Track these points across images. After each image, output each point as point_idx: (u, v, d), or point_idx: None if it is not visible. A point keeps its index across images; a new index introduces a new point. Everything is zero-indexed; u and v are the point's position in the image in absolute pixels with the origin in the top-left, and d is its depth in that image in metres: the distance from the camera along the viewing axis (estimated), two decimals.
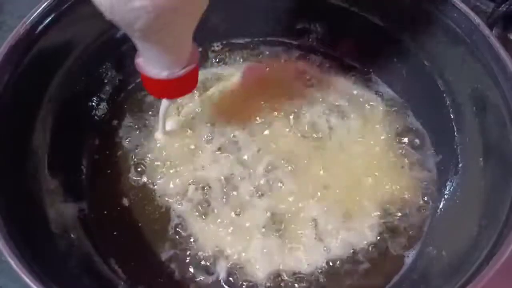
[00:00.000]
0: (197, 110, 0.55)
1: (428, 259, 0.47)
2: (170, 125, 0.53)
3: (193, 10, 0.36)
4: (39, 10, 0.44)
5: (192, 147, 0.52)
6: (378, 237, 0.49)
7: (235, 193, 0.50)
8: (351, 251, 0.48)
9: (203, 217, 0.49)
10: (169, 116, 0.54)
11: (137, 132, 0.54)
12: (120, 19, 0.34)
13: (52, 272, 0.38)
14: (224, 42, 0.60)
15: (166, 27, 0.35)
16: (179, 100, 0.55)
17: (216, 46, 0.59)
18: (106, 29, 0.51)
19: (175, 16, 0.35)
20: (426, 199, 0.51)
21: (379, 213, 0.49)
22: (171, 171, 0.51)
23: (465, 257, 0.41)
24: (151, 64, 0.41)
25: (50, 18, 0.45)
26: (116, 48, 0.53)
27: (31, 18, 0.44)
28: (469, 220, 0.45)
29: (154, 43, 0.38)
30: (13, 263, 0.35)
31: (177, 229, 0.49)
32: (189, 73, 0.42)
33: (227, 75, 0.57)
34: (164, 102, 0.48)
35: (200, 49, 0.56)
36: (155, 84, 0.42)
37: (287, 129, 0.53)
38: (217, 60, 0.59)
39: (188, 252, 0.48)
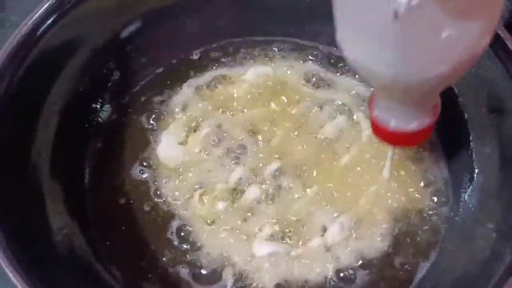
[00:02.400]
0: (203, 112, 0.54)
1: (442, 270, 0.45)
2: (174, 128, 0.52)
3: (469, 68, 0.34)
4: (41, 11, 0.44)
5: (198, 150, 0.51)
6: (389, 247, 0.47)
7: (242, 198, 0.49)
8: (361, 260, 0.47)
9: (209, 223, 0.48)
10: (174, 119, 0.53)
11: (141, 136, 0.53)
12: (401, 85, 0.32)
13: (50, 280, 0.38)
14: (232, 41, 0.58)
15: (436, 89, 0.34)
16: (183, 102, 0.54)
17: (224, 46, 0.58)
18: (110, 29, 0.51)
19: (459, 74, 0.33)
20: (439, 207, 0.49)
21: (390, 221, 0.48)
22: (176, 175, 0.50)
23: (482, 270, 0.40)
24: (384, 113, 0.39)
25: (52, 18, 0.45)
26: (120, 48, 0.53)
27: (33, 18, 0.44)
28: (486, 230, 0.43)
29: (413, 102, 0.37)
30: (12, 275, 0.34)
31: (182, 235, 0.48)
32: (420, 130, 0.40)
33: (235, 76, 0.56)
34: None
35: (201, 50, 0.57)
36: (383, 131, 0.41)
37: (296, 133, 0.52)
38: (225, 60, 0.58)
39: (193, 259, 0.47)
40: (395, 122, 0.39)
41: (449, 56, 0.29)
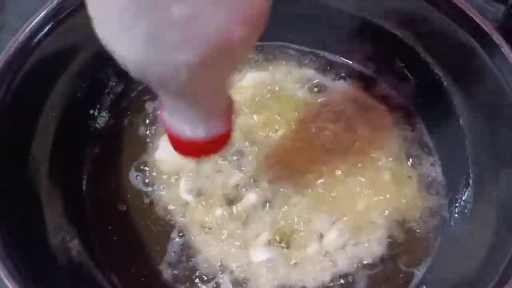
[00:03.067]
0: None
1: (439, 275, 0.46)
2: None
3: (236, 59, 0.30)
4: (39, 17, 0.44)
5: None
6: (386, 252, 0.47)
7: (239, 204, 0.49)
8: (358, 265, 0.47)
9: (206, 229, 0.48)
10: None
11: (139, 141, 0.53)
12: (152, 75, 0.28)
13: (48, 286, 0.38)
14: None
15: (205, 79, 0.29)
16: None
17: None
18: None
19: (219, 68, 0.29)
20: (435, 212, 0.49)
21: (386, 227, 0.48)
22: (174, 181, 0.50)
23: (478, 275, 0.40)
24: (174, 119, 0.34)
25: (50, 25, 0.44)
26: None
27: (31, 25, 0.44)
28: (482, 234, 0.43)
29: (187, 98, 0.32)
30: (10, 285, 0.34)
31: (180, 241, 0.48)
32: (214, 139, 0.35)
33: (233, 82, 0.56)
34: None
35: None
36: (176, 140, 0.36)
37: (294, 139, 0.52)
38: None
39: (190, 266, 0.46)
40: (181, 128, 0.34)
41: (193, 41, 0.25)
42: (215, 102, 0.34)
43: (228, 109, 0.35)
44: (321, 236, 0.47)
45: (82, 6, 0.46)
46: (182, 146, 0.36)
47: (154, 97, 0.55)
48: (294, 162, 0.51)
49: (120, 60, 0.27)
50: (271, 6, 0.27)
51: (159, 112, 0.35)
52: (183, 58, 0.26)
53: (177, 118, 0.34)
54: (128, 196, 0.50)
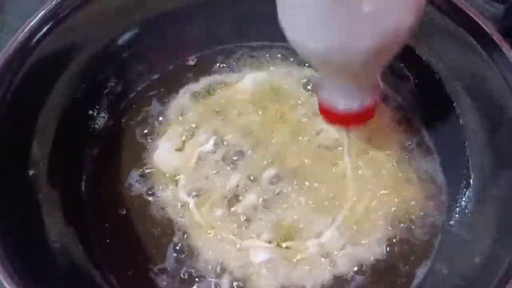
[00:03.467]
0: (200, 119, 0.53)
1: (439, 276, 0.45)
2: (170, 134, 0.52)
3: (399, 46, 0.36)
4: (38, 17, 0.44)
5: (195, 156, 0.51)
6: (386, 253, 0.47)
7: (239, 205, 0.49)
8: (358, 266, 0.46)
9: (206, 229, 0.48)
10: (171, 125, 0.53)
11: (138, 142, 0.53)
12: (335, 61, 0.34)
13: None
14: (228, 47, 0.58)
15: (373, 65, 0.36)
16: (180, 108, 0.54)
17: (220, 52, 0.58)
18: (107, 36, 0.51)
19: (387, 54, 0.35)
20: (436, 212, 0.49)
21: (387, 227, 0.48)
22: (173, 182, 0.50)
23: (479, 276, 0.40)
24: (330, 94, 0.41)
25: (49, 25, 0.44)
26: (117, 55, 0.53)
27: (30, 25, 0.44)
28: (483, 235, 0.43)
29: (353, 77, 0.39)
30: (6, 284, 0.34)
31: (179, 242, 0.47)
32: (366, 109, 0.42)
33: (232, 82, 0.56)
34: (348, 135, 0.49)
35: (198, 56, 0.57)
36: (331, 112, 0.43)
37: (293, 139, 0.52)
38: (222, 66, 0.58)
39: (190, 267, 0.46)
40: (338, 103, 0.41)
41: (374, 31, 0.31)
42: (370, 82, 0.40)
43: (376, 86, 0.42)
44: (321, 237, 0.47)
45: (81, 6, 0.46)
46: (336, 118, 0.43)
47: (153, 98, 0.55)
48: (294, 163, 0.51)
49: (306, 52, 0.34)
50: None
51: (314, 87, 0.45)
52: (365, 46, 0.31)
53: (336, 95, 0.41)
54: (128, 196, 0.50)
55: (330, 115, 0.43)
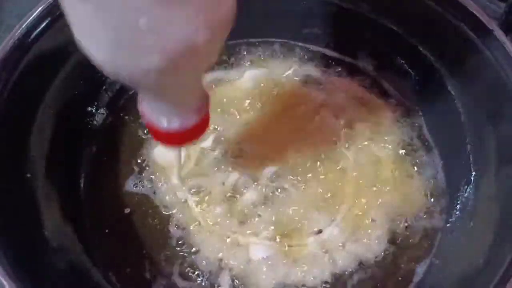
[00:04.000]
0: None
1: (439, 273, 0.45)
2: None
3: (204, 61, 0.31)
4: (35, 14, 0.43)
5: (194, 154, 0.51)
6: (386, 250, 0.47)
7: (238, 202, 0.49)
8: (358, 263, 0.46)
9: (206, 227, 0.48)
10: None
11: (137, 139, 0.53)
12: (122, 76, 0.29)
13: (46, 286, 0.38)
14: (229, 44, 0.58)
15: (175, 79, 0.31)
16: None
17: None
18: None
19: (186, 69, 0.30)
20: (436, 210, 0.49)
21: (387, 224, 0.48)
22: (172, 179, 0.50)
23: (479, 274, 0.40)
24: (151, 112, 0.37)
25: (46, 21, 0.44)
26: None
27: (27, 22, 0.43)
28: (483, 233, 0.43)
29: (161, 95, 0.34)
30: (7, 285, 0.34)
31: (178, 239, 0.47)
32: (190, 129, 0.37)
33: (232, 79, 0.56)
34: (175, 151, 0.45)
35: None
36: (154, 130, 0.38)
37: (293, 136, 0.52)
38: (222, 62, 0.57)
39: (189, 264, 0.46)
40: (160, 119, 0.36)
41: (158, 47, 0.26)
42: (187, 97, 0.36)
43: (202, 102, 0.37)
44: (321, 234, 0.47)
45: None
46: (160, 136, 0.38)
47: None
48: (294, 160, 0.50)
49: (92, 60, 0.29)
50: (235, 13, 0.29)
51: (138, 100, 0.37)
52: (149, 63, 0.27)
53: (154, 111, 0.36)
54: (127, 194, 0.50)
55: (154, 132, 0.38)
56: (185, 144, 0.42)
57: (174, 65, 0.28)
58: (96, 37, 0.27)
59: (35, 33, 0.43)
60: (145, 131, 0.53)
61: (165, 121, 0.36)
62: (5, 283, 0.34)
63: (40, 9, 0.43)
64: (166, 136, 0.38)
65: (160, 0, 0.25)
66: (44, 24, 0.44)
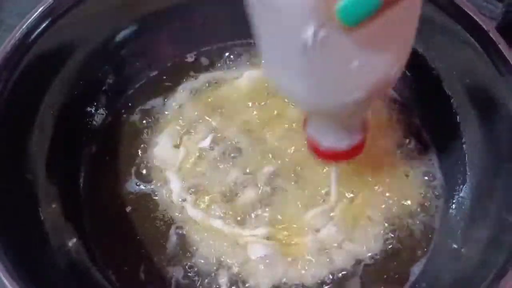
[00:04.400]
0: (198, 115, 0.54)
1: (436, 271, 0.46)
2: (169, 131, 0.52)
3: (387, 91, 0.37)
4: (35, 14, 0.44)
5: (193, 154, 0.51)
6: (383, 249, 0.47)
7: (237, 201, 0.49)
8: (355, 262, 0.47)
9: (204, 226, 0.48)
10: (169, 122, 0.53)
11: (136, 139, 0.53)
12: (322, 111, 0.34)
13: (47, 283, 0.38)
14: (227, 45, 0.58)
15: (360, 110, 0.36)
16: (178, 105, 0.54)
17: (218, 49, 0.58)
18: (105, 33, 0.51)
19: (374, 100, 0.35)
20: (432, 209, 0.49)
21: (384, 223, 0.48)
22: (171, 179, 0.50)
23: (475, 272, 0.40)
24: (319, 135, 0.41)
25: (47, 22, 0.44)
26: (115, 52, 0.53)
27: (28, 22, 0.44)
28: (479, 231, 0.44)
29: (337, 122, 0.39)
30: (8, 282, 0.34)
31: (177, 238, 0.48)
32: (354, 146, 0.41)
33: (230, 79, 0.56)
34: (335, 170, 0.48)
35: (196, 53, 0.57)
36: (319, 150, 0.42)
37: (291, 135, 0.52)
38: (220, 63, 0.58)
39: (188, 263, 0.47)
40: (326, 141, 0.40)
41: (362, 84, 0.30)
42: (359, 122, 0.40)
43: (364, 125, 0.41)
44: (318, 233, 0.47)
45: (79, 3, 0.46)
46: (324, 155, 0.42)
47: (151, 95, 0.55)
48: (292, 159, 0.51)
49: (290, 97, 0.34)
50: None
51: (304, 127, 0.42)
52: (353, 98, 0.30)
53: (324, 134, 0.40)
54: (126, 193, 0.50)
55: (318, 152, 0.42)
56: (348, 159, 0.45)
57: (370, 97, 0.32)
58: (301, 83, 0.30)
59: (35, 34, 0.44)
60: (145, 130, 0.53)
61: (334, 142, 0.40)
62: (6, 282, 0.35)
63: (40, 9, 0.44)
64: (329, 153, 0.41)
65: (372, 44, 0.28)
66: (44, 24, 0.44)
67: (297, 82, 0.30)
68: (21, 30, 0.43)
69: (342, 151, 0.40)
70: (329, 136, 0.40)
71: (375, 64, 0.29)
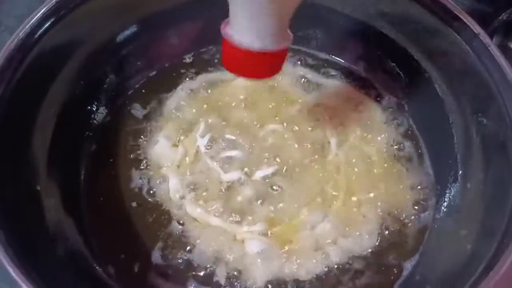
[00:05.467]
0: (197, 115, 0.54)
1: (428, 267, 0.47)
2: (168, 130, 0.53)
3: None
4: (38, 14, 0.44)
5: (192, 152, 0.52)
6: (377, 245, 0.48)
7: (234, 198, 0.50)
8: (349, 258, 0.48)
9: (202, 222, 0.49)
10: (168, 121, 0.54)
11: (136, 137, 0.54)
12: None
13: (49, 278, 0.38)
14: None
15: None
16: (177, 105, 0.55)
17: (217, 50, 0.59)
18: (106, 34, 0.51)
19: None
20: (424, 206, 0.51)
21: (378, 221, 0.49)
22: (170, 176, 0.51)
23: (465, 267, 0.41)
24: (243, 31, 0.36)
25: (49, 22, 0.45)
26: (115, 52, 0.54)
27: (31, 22, 0.44)
28: (469, 229, 0.45)
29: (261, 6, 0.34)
30: (12, 270, 0.35)
31: (176, 234, 0.48)
32: (278, 53, 0.38)
33: (228, 79, 0.57)
34: None
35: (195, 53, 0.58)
36: (239, 56, 0.38)
37: (287, 135, 0.53)
38: (218, 63, 0.58)
39: (186, 258, 0.47)
40: (247, 37, 0.36)
41: None
42: (286, 15, 0.36)
43: (284, 36, 0.37)
44: (314, 230, 0.48)
45: (81, 4, 0.47)
46: (241, 62, 0.38)
47: (151, 94, 0.56)
48: (289, 158, 0.52)
49: None
50: None
51: (224, 30, 0.37)
52: None
53: (247, 30, 0.36)
54: (125, 190, 0.51)
55: (234, 59, 0.38)
56: (265, 76, 0.42)
57: None
58: None
59: (38, 33, 0.44)
60: (145, 128, 0.54)
61: (258, 41, 0.36)
62: (10, 269, 0.35)
63: (43, 10, 0.44)
64: (246, 61, 0.38)
65: None
66: (47, 24, 0.45)
67: None
68: (24, 30, 0.44)
69: (260, 57, 0.37)
70: (252, 30, 0.36)
71: None
